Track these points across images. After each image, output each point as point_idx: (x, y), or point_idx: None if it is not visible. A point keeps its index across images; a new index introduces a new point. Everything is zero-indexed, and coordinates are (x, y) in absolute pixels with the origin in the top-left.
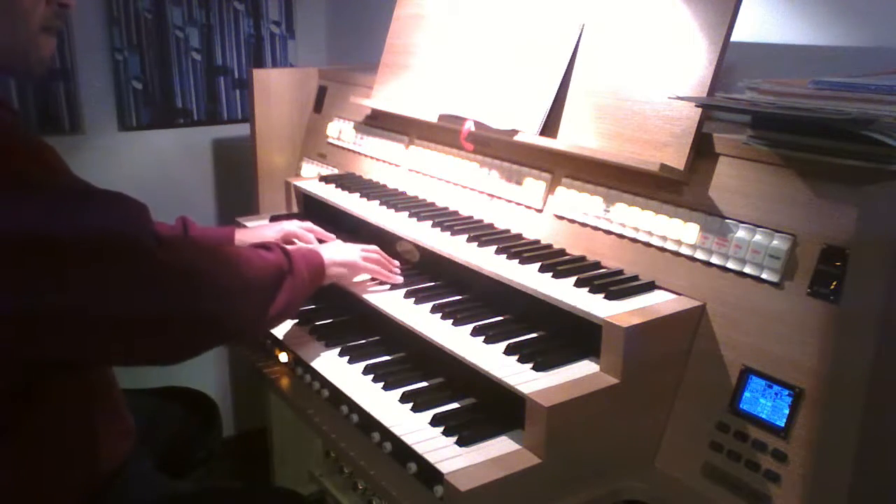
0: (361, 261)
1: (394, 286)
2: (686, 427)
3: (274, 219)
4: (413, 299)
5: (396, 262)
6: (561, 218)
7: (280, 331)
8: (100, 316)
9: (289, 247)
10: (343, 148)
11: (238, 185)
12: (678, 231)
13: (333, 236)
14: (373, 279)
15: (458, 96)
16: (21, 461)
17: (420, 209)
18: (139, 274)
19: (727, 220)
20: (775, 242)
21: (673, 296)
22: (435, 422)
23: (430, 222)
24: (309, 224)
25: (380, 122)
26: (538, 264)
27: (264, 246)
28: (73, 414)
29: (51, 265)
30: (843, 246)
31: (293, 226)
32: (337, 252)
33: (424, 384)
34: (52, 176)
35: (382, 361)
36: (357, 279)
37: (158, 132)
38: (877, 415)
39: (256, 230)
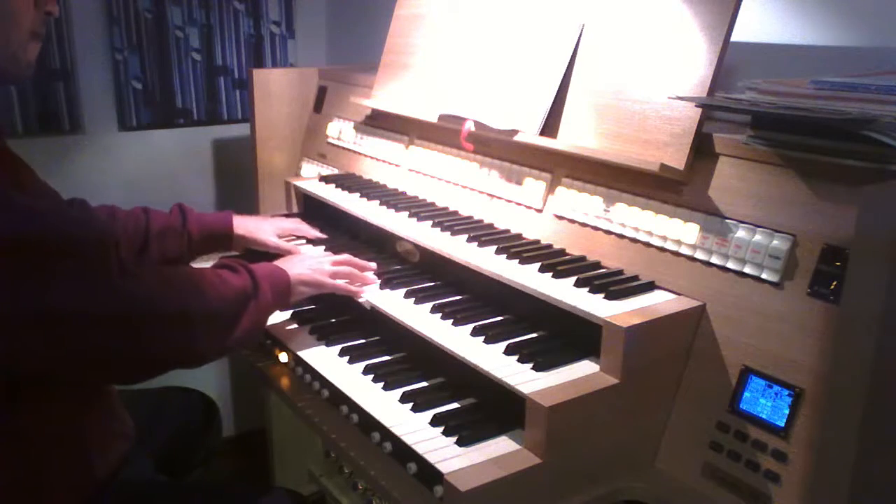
0: (329, 278)
1: (394, 287)
2: (686, 427)
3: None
4: (413, 299)
5: (372, 265)
6: (561, 218)
7: (280, 331)
8: (58, 337)
9: (254, 265)
10: (343, 148)
11: (238, 185)
12: (678, 231)
13: (324, 236)
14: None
15: (458, 96)
16: (15, 463)
17: (420, 209)
18: (98, 303)
19: (727, 220)
20: (775, 242)
21: (673, 296)
22: (435, 422)
23: (430, 222)
24: (299, 220)
25: (380, 122)
26: (538, 264)
27: (230, 266)
28: (67, 414)
29: (19, 277)
30: (843, 246)
31: (288, 224)
32: (305, 269)
33: (424, 384)
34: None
35: (382, 361)
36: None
37: (158, 132)
38: (877, 415)
39: (254, 219)
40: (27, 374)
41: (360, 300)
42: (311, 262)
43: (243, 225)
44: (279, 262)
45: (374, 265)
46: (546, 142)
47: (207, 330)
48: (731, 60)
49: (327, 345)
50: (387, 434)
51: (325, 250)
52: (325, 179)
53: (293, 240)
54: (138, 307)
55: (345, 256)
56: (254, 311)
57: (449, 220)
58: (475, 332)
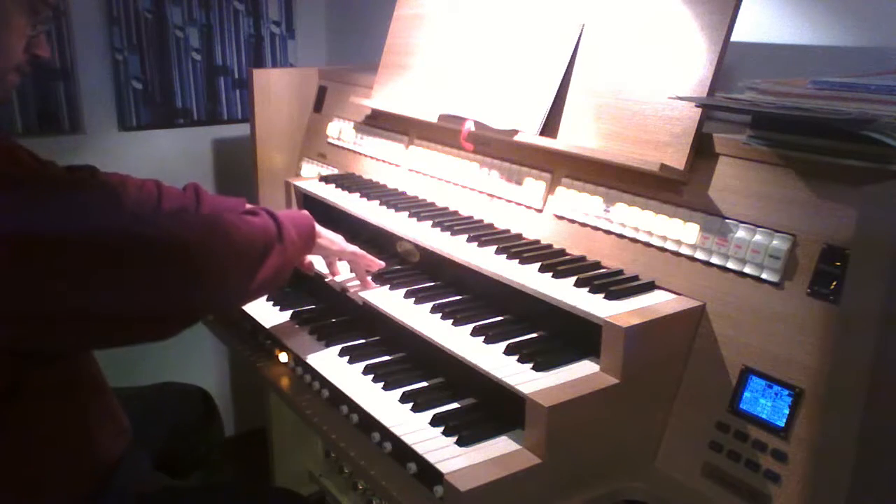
0: (347, 245)
1: (394, 287)
2: (686, 427)
3: None
4: (413, 299)
5: (381, 264)
6: (561, 218)
7: (280, 331)
8: (80, 277)
9: (278, 212)
10: (343, 148)
11: (238, 186)
12: (678, 231)
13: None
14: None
15: (458, 96)
16: (11, 461)
17: (420, 209)
18: (125, 260)
19: (727, 220)
20: (775, 242)
21: (673, 296)
22: (435, 422)
23: (430, 222)
24: None
25: (380, 122)
26: (538, 264)
27: (252, 212)
28: (60, 412)
29: (49, 261)
30: (843, 246)
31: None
32: (326, 230)
33: (424, 384)
34: (32, 173)
35: (382, 361)
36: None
37: (158, 132)
38: (877, 415)
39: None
40: (53, 333)
41: (357, 294)
42: (327, 230)
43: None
44: None
45: (381, 263)
46: (546, 142)
47: (232, 270)
48: (731, 60)
49: (327, 345)
50: (387, 434)
51: None
52: (325, 179)
53: None
54: (157, 246)
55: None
56: (279, 252)
57: (449, 220)
58: (475, 332)
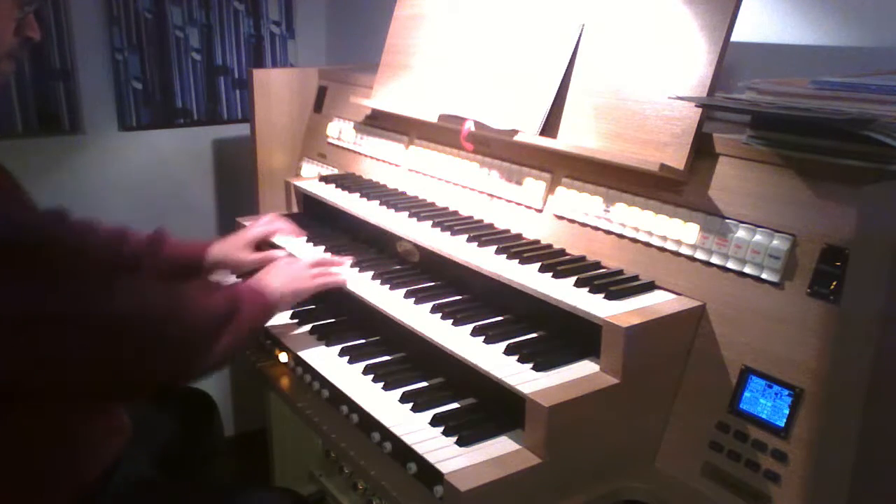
0: (309, 281)
1: (394, 287)
2: (686, 427)
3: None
4: (413, 299)
5: (344, 260)
6: (561, 218)
7: (280, 331)
8: (33, 345)
9: (236, 285)
10: (343, 148)
11: (238, 185)
12: (678, 231)
13: (304, 234)
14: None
15: (458, 96)
16: (7, 461)
17: (420, 209)
18: (77, 315)
19: (727, 220)
20: (775, 242)
21: (673, 296)
22: (435, 422)
23: (430, 222)
24: (271, 221)
25: (380, 122)
26: (538, 264)
27: (211, 287)
28: (59, 412)
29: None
30: (843, 246)
31: (258, 230)
32: (285, 285)
33: (424, 384)
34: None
35: (382, 361)
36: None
37: (158, 132)
38: (877, 415)
39: (226, 242)
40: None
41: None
42: (288, 271)
43: (214, 253)
44: (260, 276)
45: (347, 258)
46: (546, 142)
47: (181, 352)
48: (731, 60)
49: (327, 345)
50: (387, 434)
51: (325, 251)
52: (325, 179)
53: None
54: (116, 323)
55: (317, 259)
56: (233, 331)
57: (449, 220)
58: (475, 332)
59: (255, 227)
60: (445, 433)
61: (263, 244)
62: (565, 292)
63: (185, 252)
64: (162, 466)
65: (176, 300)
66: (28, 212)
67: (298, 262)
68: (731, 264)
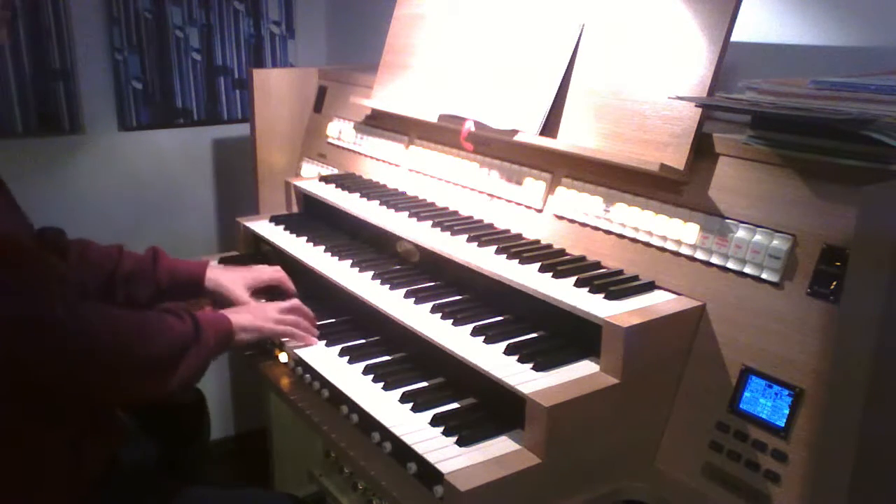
0: (271, 323)
1: (394, 287)
2: (686, 427)
3: (251, 258)
4: (413, 299)
5: (316, 332)
6: (561, 218)
7: None
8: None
9: (199, 313)
10: (343, 148)
11: (238, 185)
12: (678, 231)
13: (294, 290)
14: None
15: (457, 96)
16: (7, 460)
17: (420, 209)
18: (42, 346)
19: (727, 220)
20: (775, 242)
21: (673, 296)
22: (435, 422)
23: (430, 222)
24: (279, 271)
25: (380, 122)
26: (538, 264)
27: (175, 312)
28: (58, 412)
29: None
30: (843, 246)
31: (265, 276)
32: (248, 320)
33: (424, 384)
34: None
35: (382, 361)
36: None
37: (158, 132)
38: (877, 415)
39: (230, 274)
40: None
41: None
42: (256, 311)
43: (215, 279)
44: (226, 311)
45: (313, 316)
46: (546, 142)
47: (147, 372)
48: (731, 60)
49: (327, 345)
50: (387, 434)
51: (325, 251)
52: (325, 179)
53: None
54: (78, 344)
55: (292, 302)
56: (194, 356)
57: (449, 220)
58: (475, 332)
59: (263, 273)
60: (445, 433)
61: (260, 291)
62: (565, 292)
63: (184, 270)
64: (161, 466)
65: (140, 325)
66: None
67: (267, 307)
68: (731, 264)
